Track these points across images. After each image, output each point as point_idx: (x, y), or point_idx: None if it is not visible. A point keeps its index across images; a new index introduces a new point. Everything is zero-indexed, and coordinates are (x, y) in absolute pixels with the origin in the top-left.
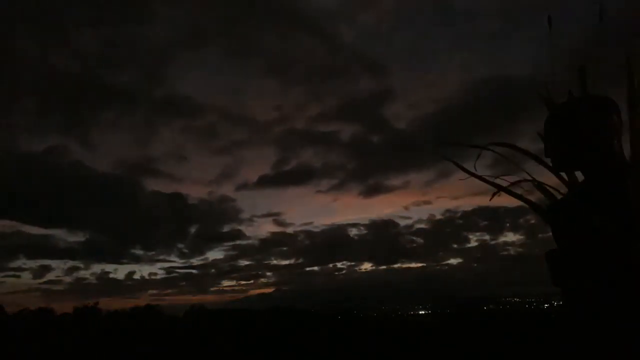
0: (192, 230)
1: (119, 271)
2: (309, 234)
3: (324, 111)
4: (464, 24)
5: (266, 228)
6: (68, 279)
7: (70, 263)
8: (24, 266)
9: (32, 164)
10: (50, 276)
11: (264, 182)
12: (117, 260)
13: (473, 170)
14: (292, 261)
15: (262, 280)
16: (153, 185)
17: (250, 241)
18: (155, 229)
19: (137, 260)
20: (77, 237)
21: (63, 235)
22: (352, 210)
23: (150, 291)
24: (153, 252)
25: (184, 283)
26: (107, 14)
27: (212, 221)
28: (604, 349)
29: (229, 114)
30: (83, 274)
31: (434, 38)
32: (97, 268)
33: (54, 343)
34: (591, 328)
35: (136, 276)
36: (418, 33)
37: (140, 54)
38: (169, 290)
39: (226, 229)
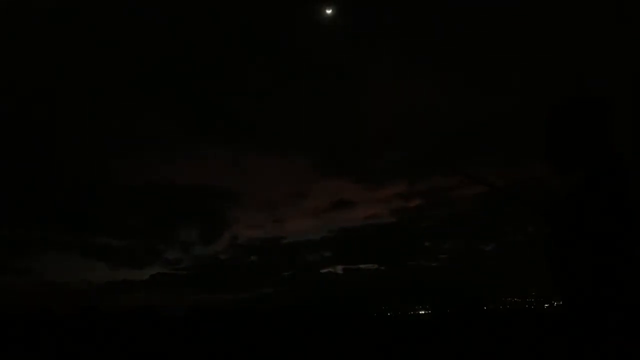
0: (214, 233)
1: (139, 273)
2: (313, 235)
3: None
4: None
5: (273, 229)
6: (90, 280)
7: (98, 264)
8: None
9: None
10: (69, 276)
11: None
12: (143, 262)
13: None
14: (298, 262)
15: (268, 281)
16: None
17: (261, 242)
18: (185, 234)
19: (159, 262)
20: (117, 243)
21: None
22: (354, 211)
23: (163, 290)
24: (174, 255)
25: (193, 283)
26: None
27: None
28: (605, 349)
29: None
30: (106, 275)
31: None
32: (122, 271)
33: (54, 342)
34: (591, 328)
35: (152, 275)
36: None
37: None
38: (180, 290)
39: (247, 231)
